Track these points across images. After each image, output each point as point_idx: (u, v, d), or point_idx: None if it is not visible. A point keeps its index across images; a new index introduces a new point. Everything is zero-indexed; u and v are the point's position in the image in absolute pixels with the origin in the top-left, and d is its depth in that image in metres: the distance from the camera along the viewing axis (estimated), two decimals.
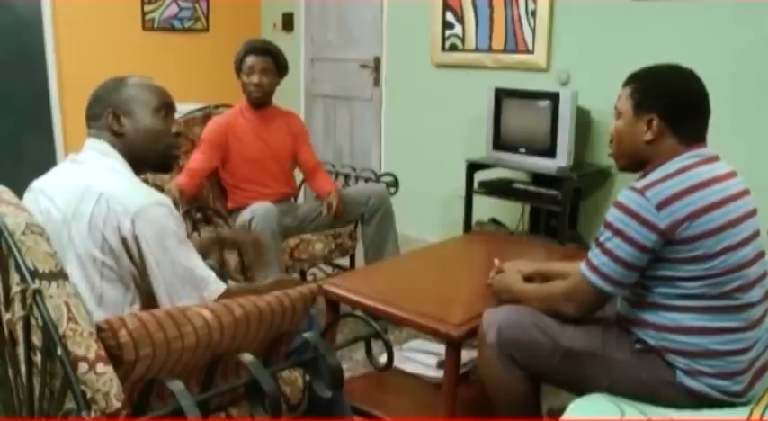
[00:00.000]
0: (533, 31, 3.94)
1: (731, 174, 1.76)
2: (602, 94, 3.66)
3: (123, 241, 1.60)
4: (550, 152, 3.54)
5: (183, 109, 3.12)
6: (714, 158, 1.76)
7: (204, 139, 3.25)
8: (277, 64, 3.32)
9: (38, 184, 1.76)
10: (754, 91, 3.18)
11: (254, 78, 3.24)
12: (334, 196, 3.30)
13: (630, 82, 1.84)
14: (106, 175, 1.69)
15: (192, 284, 1.68)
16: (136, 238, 1.60)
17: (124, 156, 1.77)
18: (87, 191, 1.62)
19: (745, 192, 1.76)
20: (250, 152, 3.30)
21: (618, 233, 1.68)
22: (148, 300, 1.68)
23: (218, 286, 1.74)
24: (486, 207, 4.04)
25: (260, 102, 3.31)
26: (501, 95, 3.75)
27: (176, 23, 5.31)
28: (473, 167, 3.88)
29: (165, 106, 1.86)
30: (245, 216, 2.99)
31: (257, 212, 2.97)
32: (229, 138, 3.26)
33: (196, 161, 3.21)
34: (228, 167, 3.32)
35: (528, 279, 2.11)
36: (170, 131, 1.87)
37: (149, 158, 1.85)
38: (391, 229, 3.40)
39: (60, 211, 1.64)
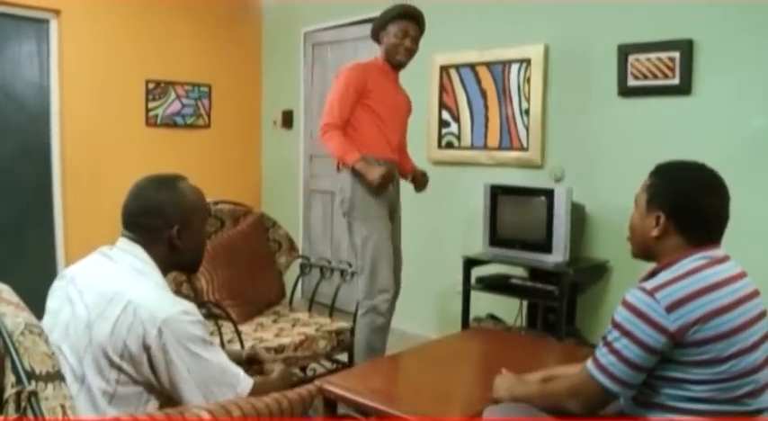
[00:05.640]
0: (527, 128, 4.06)
1: (741, 275, 1.73)
2: (596, 190, 3.75)
3: (147, 350, 1.59)
4: (547, 248, 3.56)
5: None
6: (724, 259, 1.74)
7: (351, 83, 3.31)
8: (422, 32, 3.43)
9: (70, 272, 1.78)
10: (744, 186, 3.22)
11: (408, 43, 3.35)
12: (417, 171, 3.64)
13: (652, 174, 1.84)
14: (135, 281, 1.69)
15: (227, 383, 1.70)
16: (163, 347, 1.59)
17: (163, 262, 1.78)
18: (116, 295, 1.63)
19: (756, 294, 1.73)
20: (388, 98, 3.39)
21: (626, 333, 1.65)
22: (168, 404, 1.65)
23: (248, 381, 1.76)
24: (484, 302, 4.03)
25: (402, 65, 3.43)
26: (496, 192, 3.81)
27: (179, 120, 5.44)
28: (470, 263, 3.89)
29: (208, 212, 1.90)
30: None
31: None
32: (370, 80, 3.33)
33: (343, 114, 3.30)
34: (366, 107, 3.35)
35: None
36: (208, 235, 1.91)
37: (189, 264, 1.91)
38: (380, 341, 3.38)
39: (87, 309, 1.64)
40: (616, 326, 1.68)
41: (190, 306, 1.70)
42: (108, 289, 1.65)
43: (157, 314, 1.60)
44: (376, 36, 3.47)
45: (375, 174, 3.21)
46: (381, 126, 3.38)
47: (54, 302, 1.75)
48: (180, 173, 1.89)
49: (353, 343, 3.41)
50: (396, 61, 3.40)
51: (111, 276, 1.70)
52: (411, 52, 3.39)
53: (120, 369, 1.60)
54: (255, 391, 1.74)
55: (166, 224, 1.77)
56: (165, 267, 1.80)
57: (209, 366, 1.67)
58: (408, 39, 3.35)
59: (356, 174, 3.28)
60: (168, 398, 1.67)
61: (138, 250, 1.76)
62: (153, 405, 1.66)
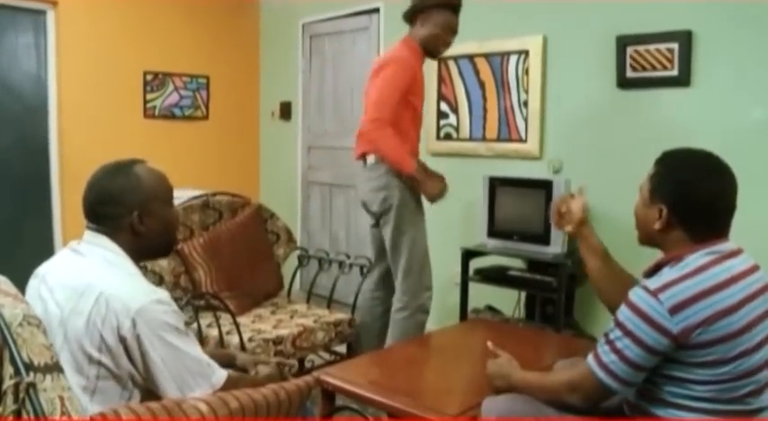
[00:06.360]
0: (525, 120, 4.05)
1: (753, 270, 1.70)
2: (594, 181, 3.73)
3: (123, 341, 1.58)
4: (545, 239, 3.56)
5: (181, 195, 3.14)
6: (734, 253, 1.70)
7: (406, 80, 3.14)
8: None
9: (41, 271, 1.76)
10: (744, 177, 3.21)
11: (450, 38, 3.25)
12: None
13: (658, 162, 1.80)
14: (106, 273, 1.67)
15: (201, 374, 1.69)
16: (137, 337, 1.58)
17: (132, 250, 1.75)
18: (87, 288, 1.61)
19: (765, 289, 1.69)
20: (422, 92, 3.30)
21: (628, 333, 1.62)
22: (148, 397, 1.64)
23: (222, 372, 1.75)
24: (482, 294, 4.03)
25: (437, 56, 3.36)
26: (495, 184, 3.80)
27: (177, 111, 5.43)
28: (468, 255, 3.89)
29: (172, 193, 1.87)
30: None
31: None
32: (417, 75, 3.23)
33: (394, 110, 3.11)
34: (408, 103, 3.21)
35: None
36: (178, 218, 1.87)
37: (160, 249, 1.88)
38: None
39: (59, 307, 1.62)
40: (618, 325, 1.66)
41: (164, 294, 1.68)
42: (79, 283, 1.63)
43: (130, 304, 1.58)
44: (413, 17, 3.25)
45: (435, 189, 3.20)
46: (416, 121, 3.31)
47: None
48: (139, 158, 1.86)
49: (353, 334, 3.42)
50: (436, 52, 3.29)
51: (82, 270, 1.68)
52: (449, 46, 3.30)
53: (99, 363, 1.58)
54: (231, 384, 1.72)
55: (126, 211, 1.74)
56: (136, 255, 1.77)
57: (183, 356, 1.65)
58: (452, 35, 3.24)
59: (399, 174, 3.17)
60: (149, 391, 1.66)
61: (105, 240, 1.73)
62: (135, 398, 1.65)
